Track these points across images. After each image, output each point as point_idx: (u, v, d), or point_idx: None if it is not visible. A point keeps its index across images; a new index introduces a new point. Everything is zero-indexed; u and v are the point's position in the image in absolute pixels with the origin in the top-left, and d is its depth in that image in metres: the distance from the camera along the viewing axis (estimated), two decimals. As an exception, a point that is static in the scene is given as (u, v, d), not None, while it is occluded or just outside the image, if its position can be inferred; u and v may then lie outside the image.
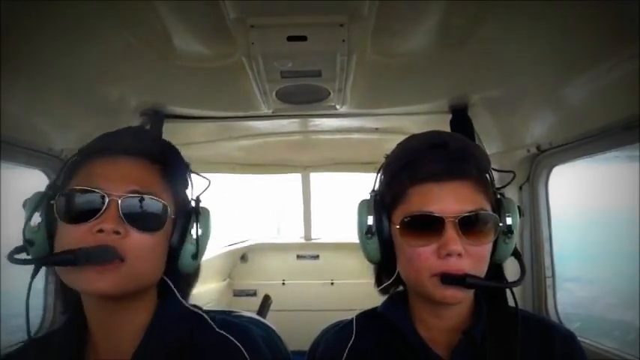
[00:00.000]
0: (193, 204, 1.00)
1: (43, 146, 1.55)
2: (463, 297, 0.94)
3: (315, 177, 3.67)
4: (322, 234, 4.06)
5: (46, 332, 1.01)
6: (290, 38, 1.13)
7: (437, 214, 0.91)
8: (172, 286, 0.96)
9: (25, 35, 0.99)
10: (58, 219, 0.84)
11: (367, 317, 1.13)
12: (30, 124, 1.41)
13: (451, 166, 0.95)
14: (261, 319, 1.29)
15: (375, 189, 1.08)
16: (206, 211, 1.00)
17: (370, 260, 1.06)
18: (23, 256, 0.87)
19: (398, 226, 0.96)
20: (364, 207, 1.04)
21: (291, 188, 3.88)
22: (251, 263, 3.99)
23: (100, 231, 0.80)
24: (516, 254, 1.04)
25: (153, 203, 0.87)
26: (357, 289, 3.58)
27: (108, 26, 1.06)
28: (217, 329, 0.99)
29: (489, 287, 0.96)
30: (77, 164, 0.91)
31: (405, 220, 0.94)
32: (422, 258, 0.92)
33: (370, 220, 1.02)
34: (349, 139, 2.43)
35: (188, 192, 1.02)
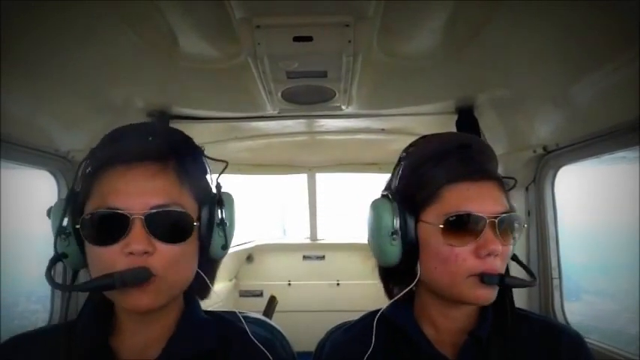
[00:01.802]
0: (215, 190, 0.98)
1: (50, 147, 1.56)
2: (494, 297, 0.94)
3: (321, 177, 3.66)
4: (328, 234, 4.06)
5: (64, 322, 1.01)
6: (296, 39, 1.13)
7: (479, 214, 0.91)
8: (207, 279, 0.96)
9: (32, 36, 1.00)
10: (87, 242, 0.84)
11: (373, 318, 1.12)
12: (36, 125, 1.42)
13: (482, 166, 0.96)
14: (267, 320, 1.29)
15: (393, 189, 1.03)
16: (229, 197, 0.98)
17: (387, 263, 1.01)
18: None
19: (442, 226, 0.92)
20: (386, 207, 0.99)
21: (296, 189, 3.89)
22: (257, 264, 3.99)
23: (131, 253, 0.81)
24: (514, 257, 1.05)
25: (177, 214, 0.86)
26: (363, 290, 3.58)
27: (114, 27, 1.06)
28: (251, 336, 0.99)
29: (521, 286, 0.97)
30: (92, 174, 0.88)
31: (450, 219, 0.92)
32: (460, 258, 0.91)
33: (393, 221, 0.97)
34: (355, 139, 2.43)
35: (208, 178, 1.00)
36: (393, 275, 1.08)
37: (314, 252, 3.94)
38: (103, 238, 0.82)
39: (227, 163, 1.01)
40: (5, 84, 1.09)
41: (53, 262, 0.87)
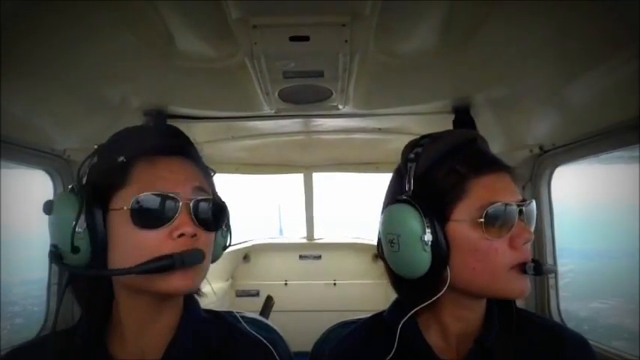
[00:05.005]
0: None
1: (46, 146, 1.56)
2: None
3: (318, 177, 3.66)
4: (324, 234, 4.06)
5: (65, 328, 1.01)
6: (292, 38, 1.13)
7: (512, 204, 0.90)
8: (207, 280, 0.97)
9: (28, 35, 1.00)
10: (133, 225, 0.83)
11: (374, 323, 1.11)
12: (32, 125, 1.42)
13: (494, 157, 0.96)
14: (264, 320, 1.29)
15: (409, 192, 0.95)
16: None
17: (417, 273, 0.92)
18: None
19: (482, 219, 0.88)
20: (409, 211, 0.91)
21: (293, 188, 3.89)
22: (253, 263, 3.99)
23: (181, 235, 0.84)
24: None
25: (217, 204, 0.91)
26: (360, 290, 3.59)
27: (110, 26, 1.06)
28: (250, 330, 1.03)
29: (553, 272, 0.97)
30: (127, 164, 0.88)
31: (490, 211, 0.88)
32: (499, 252, 0.89)
33: (422, 226, 0.90)
34: (352, 139, 2.43)
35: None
36: (418, 286, 0.96)
37: (310, 252, 3.94)
38: (150, 222, 0.84)
39: (214, 171, 1.04)
40: (1, 83, 1.08)
41: (56, 256, 0.86)
